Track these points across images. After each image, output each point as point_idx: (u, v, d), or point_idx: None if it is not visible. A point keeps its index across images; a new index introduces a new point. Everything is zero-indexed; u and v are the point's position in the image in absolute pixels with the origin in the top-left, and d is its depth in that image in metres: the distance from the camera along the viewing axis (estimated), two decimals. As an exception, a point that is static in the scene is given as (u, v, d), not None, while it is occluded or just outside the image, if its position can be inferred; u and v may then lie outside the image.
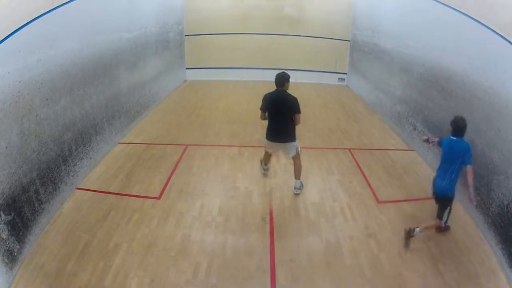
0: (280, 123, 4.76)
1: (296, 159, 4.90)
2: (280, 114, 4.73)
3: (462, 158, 3.80)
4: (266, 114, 4.79)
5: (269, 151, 5.07)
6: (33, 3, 3.79)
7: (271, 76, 12.26)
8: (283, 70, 4.79)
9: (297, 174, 4.93)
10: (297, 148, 4.87)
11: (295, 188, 4.92)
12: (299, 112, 4.73)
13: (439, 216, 3.96)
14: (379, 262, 3.68)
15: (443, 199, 3.93)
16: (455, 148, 3.84)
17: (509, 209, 3.66)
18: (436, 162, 5.49)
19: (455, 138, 3.89)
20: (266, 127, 4.88)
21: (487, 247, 3.91)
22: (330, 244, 3.94)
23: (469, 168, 3.76)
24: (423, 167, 5.79)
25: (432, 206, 4.67)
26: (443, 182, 3.90)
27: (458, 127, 3.87)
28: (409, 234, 3.84)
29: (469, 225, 4.30)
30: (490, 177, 4.07)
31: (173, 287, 3.35)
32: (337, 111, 8.87)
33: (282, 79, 4.69)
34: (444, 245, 3.93)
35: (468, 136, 4.63)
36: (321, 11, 11.49)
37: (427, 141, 4.39)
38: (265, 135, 4.93)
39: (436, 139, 4.20)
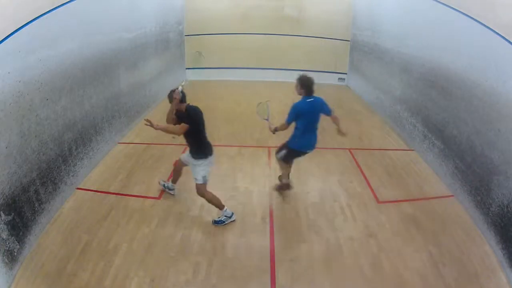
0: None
1: None
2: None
3: (320, 111, 4.31)
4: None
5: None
6: (33, 3, 3.79)
7: (271, 76, 12.25)
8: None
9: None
10: None
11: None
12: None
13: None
14: (379, 262, 3.68)
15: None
16: (316, 106, 4.28)
17: (509, 209, 3.66)
18: (436, 162, 5.52)
19: (312, 99, 4.29)
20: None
21: (487, 247, 3.91)
22: (330, 244, 3.94)
23: (334, 116, 4.43)
24: (423, 167, 5.79)
25: (432, 206, 4.69)
26: (315, 137, 4.47)
27: (310, 87, 4.25)
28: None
29: (469, 225, 4.30)
30: (490, 177, 4.07)
31: (173, 287, 3.35)
32: (337, 111, 8.78)
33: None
34: (444, 245, 3.93)
35: (468, 136, 4.65)
36: (321, 11, 11.49)
37: (275, 130, 4.53)
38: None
39: (276, 126, 4.47)
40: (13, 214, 3.43)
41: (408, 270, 3.56)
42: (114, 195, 4.79)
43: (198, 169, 4.07)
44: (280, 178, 4.94)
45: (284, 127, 4.41)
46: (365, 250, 3.85)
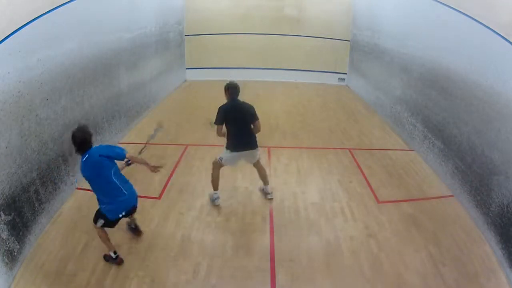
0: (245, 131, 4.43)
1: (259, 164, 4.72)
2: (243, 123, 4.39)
3: (112, 164, 3.41)
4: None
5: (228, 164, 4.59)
6: (33, 3, 3.79)
7: (271, 76, 12.27)
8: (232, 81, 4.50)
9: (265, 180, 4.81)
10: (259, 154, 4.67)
11: (268, 193, 4.79)
12: (257, 119, 4.44)
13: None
14: (379, 262, 3.68)
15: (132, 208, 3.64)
16: (95, 161, 3.31)
17: (509, 209, 3.66)
18: (436, 162, 5.51)
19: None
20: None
21: (487, 247, 3.91)
22: (330, 244, 3.94)
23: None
24: (423, 167, 5.79)
25: (432, 206, 4.69)
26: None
27: (82, 142, 3.33)
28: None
29: (469, 225, 4.30)
30: (490, 177, 4.07)
31: (173, 287, 3.35)
32: (337, 111, 8.87)
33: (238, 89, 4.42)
34: (444, 245, 3.93)
35: (468, 136, 4.65)
36: (321, 11, 11.49)
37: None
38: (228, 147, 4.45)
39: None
40: (13, 214, 3.43)
41: (408, 270, 3.56)
42: (114, 195, 4.78)
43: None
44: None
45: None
46: (365, 250, 3.85)
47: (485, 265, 3.68)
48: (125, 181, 3.57)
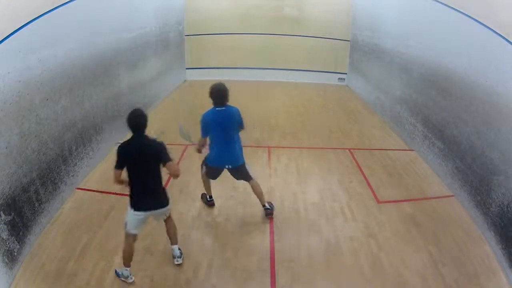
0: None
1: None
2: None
3: (238, 123, 3.93)
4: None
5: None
6: (33, 3, 3.79)
7: (271, 76, 12.25)
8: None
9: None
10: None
11: (174, 257, 3.66)
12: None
13: (250, 177, 4.20)
14: (379, 262, 3.68)
15: (242, 165, 4.06)
16: (227, 115, 3.86)
17: (509, 209, 3.66)
18: (436, 162, 5.52)
19: (223, 108, 3.96)
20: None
21: (487, 247, 3.91)
22: (330, 244, 3.94)
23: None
24: (423, 167, 5.79)
25: (432, 206, 4.69)
26: (236, 151, 4.04)
27: (221, 96, 3.89)
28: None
29: (469, 225, 4.30)
30: (490, 177, 4.07)
31: (173, 287, 3.34)
32: (337, 111, 8.87)
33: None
34: (444, 245, 3.93)
35: (468, 136, 4.65)
36: (321, 11, 11.49)
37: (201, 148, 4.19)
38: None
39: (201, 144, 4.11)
40: (13, 214, 3.43)
41: (408, 270, 3.56)
42: (114, 195, 4.77)
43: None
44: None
45: (202, 141, 4.11)
46: (365, 250, 3.85)
47: (485, 265, 3.68)
48: (233, 145, 4.06)
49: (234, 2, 11.54)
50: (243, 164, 4.17)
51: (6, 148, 3.38)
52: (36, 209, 3.87)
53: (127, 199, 4.66)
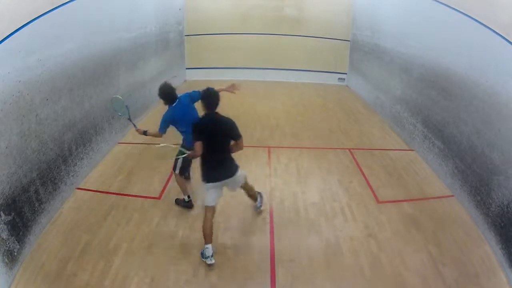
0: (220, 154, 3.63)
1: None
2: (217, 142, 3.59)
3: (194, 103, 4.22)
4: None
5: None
6: (33, 3, 3.79)
7: (271, 76, 12.24)
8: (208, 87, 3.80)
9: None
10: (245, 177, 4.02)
11: (258, 207, 4.40)
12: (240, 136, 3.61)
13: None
14: (379, 262, 3.68)
15: None
16: (186, 104, 4.23)
17: (509, 209, 3.66)
18: (436, 162, 5.52)
19: (176, 102, 4.26)
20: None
21: (487, 247, 3.91)
22: (330, 244, 3.94)
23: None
24: (423, 167, 5.79)
25: (432, 206, 4.69)
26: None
27: (168, 95, 4.26)
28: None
29: (469, 225, 4.30)
30: (490, 177, 4.07)
31: (173, 287, 3.35)
32: (337, 111, 8.87)
33: (218, 98, 3.55)
34: (444, 245, 3.93)
35: (468, 136, 4.66)
36: (321, 11, 11.49)
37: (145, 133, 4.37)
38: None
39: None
40: (13, 214, 3.43)
41: (408, 270, 3.56)
42: (114, 195, 4.79)
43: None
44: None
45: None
46: (365, 250, 3.85)
47: (485, 265, 3.68)
48: None
49: (234, 2, 11.55)
50: None
51: (6, 148, 3.38)
52: (36, 209, 3.87)
53: (127, 199, 4.70)
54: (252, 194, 4.27)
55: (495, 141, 4.01)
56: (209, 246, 3.55)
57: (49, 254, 3.67)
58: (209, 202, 3.59)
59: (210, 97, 3.54)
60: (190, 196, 4.47)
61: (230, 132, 3.53)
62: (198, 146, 3.42)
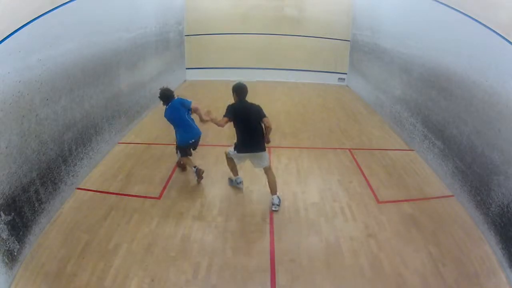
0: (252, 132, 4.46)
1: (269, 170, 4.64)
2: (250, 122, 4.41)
3: (184, 109, 4.95)
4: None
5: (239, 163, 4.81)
6: (33, 3, 3.79)
7: (271, 76, 12.28)
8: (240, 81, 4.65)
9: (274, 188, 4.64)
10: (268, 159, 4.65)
11: (273, 204, 4.53)
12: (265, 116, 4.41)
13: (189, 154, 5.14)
14: (379, 262, 3.68)
15: (199, 140, 5.15)
16: (175, 107, 4.94)
17: (509, 209, 3.66)
18: (436, 162, 5.52)
19: (169, 104, 4.98)
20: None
21: (487, 247, 3.91)
22: (330, 244, 3.94)
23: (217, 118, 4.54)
24: (423, 167, 5.79)
25: (432, 206, 4.69)
26: (194, 130, 5.04)
27: (167, 96, 4.99)
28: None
29: (469, 225, 4.30)
30: (490, 177, 4.07)
31: (173, 287, 3.35)
32: (337, 111, 8.87)
33: (246, 89, 4.47)
34: (444, 245, 3.93)
35: (468, 136, 4.66)
36: (321, 11, 11.50)
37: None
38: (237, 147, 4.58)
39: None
40: (13, 214, 3.43)
41: (408, 270, 3.56)
42: (114, 195, 4.79)
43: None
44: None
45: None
46: (365, 250, 3.85)
47: (485, 265, 3.68)
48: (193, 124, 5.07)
49: (234, 2, 11.55)
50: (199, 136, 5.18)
51: (6, 148, 3.38)
52: (36, 209, 3.87)
53: (127, 199, 4.71)
54: (273, 187, 4.62)
55: (495, 141, 4.01)
56: (238, 177, 4.98)
57: (49, 254, 3.67)
58: (232, 155, 4.66)
59: (240, 88, 4.45)
60: (196, 166, 5.09)
61: (258, 113, 4.37)
62: (224, 120, 4.36)
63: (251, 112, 4.37)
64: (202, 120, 4.77)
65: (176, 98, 5.05)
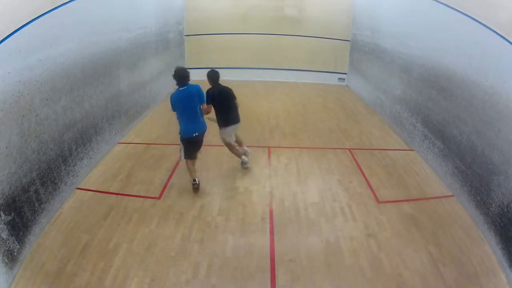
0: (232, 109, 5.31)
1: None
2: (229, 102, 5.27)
3: (199, 100, 4.75)
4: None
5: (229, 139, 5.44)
6: (33, 3, 3.79)
7: (271, 76, 12.30)
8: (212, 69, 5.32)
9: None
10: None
11: (244, 163, 5.57)
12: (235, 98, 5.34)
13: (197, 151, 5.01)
14: (379, 262, 3.68)
15: (202, 136, 4.89)
16: (190, 94, 4.68)
17: (509, 209, 3.66)
18: (436, 162, 5.52)
19: (184, 87, 4.66)
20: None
21: (487, 247, 3.91)
22: (330, 244, 3.94)
23: (204, 105, 4.86)
24: (423, 167, 5.79)
25: (432, 206, 4.69)
26: (200, 124, 4.81)
27: (182, 77, 4.65)
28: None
29: (469, 225, 4.31)
30: (490, 177, 4.07)
31: (173, 287, 3.35)
32: (337, 111, 8.87)
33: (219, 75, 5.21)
34: (444, 245, 3.93)
35: (468, 136, 4.66)
36: (321, 11, 11.49)
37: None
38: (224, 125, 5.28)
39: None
40: (13, 214, 3.43)
41: (408, 270, 3.56)
42: (114, 195, 4.79)
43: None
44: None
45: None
46: (365, 250, 3.85)
47: (485, 265, 3.68)
48: (197, 117, 4.82)
49: (234, 2, 11.54)
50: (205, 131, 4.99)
51: (6, 148, 3.38)
52: (36, 209, 3.87)
53: (127, 199, 4.71)
54: (240, 140, 5.64)
55: (495, 141, 4.01)
56: (243, 158, 5.56)
57: (49, 254, 3.67)
58: (225, 135, 5.32)
59: (214, 74, 5.14)
60: (196, 180, 4.90)
61: (232, 93, 5.26)
62: (210, 106, 4.96)
63: (228, 93, 5.21)
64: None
65: (194, 84, 4.75)
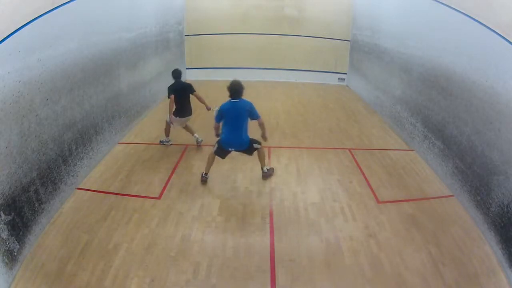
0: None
1: None
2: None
3: (249, 114, 4.86)
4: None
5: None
6: (33, 3, 3.79)
7: (271, 76, 12.30)
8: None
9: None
10: None
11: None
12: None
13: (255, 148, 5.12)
14: (379, 262, 3.68)
15: (250, 145, 5.01)
16: (240, 107, 4.82)
17: (509, 209, 3.66)
18: (436, 162, 5.52)
19: (237, 100, 4.80)
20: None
21: (487, 247, 3.91)
22: (330, 244, 3.94)
23: (260, 121, 4.98)
24: (423, 167, 5.79)
25: (432, 206, 4.69)
26: (242, 136, 4.92)
27: (237, 91, 4.77)
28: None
29: (469, 225, 4.31)
30: (490, 177, 4.07)
31: (173, 287, 3.35)
32: (337, 111, 8.87)
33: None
34: (444, 245, 3.93)
35: (468, 136, 4.66)
36: (321, 11, 11.50)
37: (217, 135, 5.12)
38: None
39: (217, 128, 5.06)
40: (13, 214, 3.43)
41: (408, 270, 3.56)
42: (114, 195, 4.79)
43: None
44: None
45: (215, 125, 5.04)
46: (365, 250, 3.85)
47: (485, 265, 3.68)
48: (240, 131, 4.92)
49: (234, 2, 11.55)
50: (249, 147, 5.08)
51: (6, 148, 3.38)
52: (36, 209, 3.87)
53: (127, 199, 4.71)
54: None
55: (495, 141, 4.01)
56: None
57: (49, 254, 3.67)
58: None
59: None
60: (208, 174, 5.13)
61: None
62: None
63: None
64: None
65: (246, 100, 4.90)
